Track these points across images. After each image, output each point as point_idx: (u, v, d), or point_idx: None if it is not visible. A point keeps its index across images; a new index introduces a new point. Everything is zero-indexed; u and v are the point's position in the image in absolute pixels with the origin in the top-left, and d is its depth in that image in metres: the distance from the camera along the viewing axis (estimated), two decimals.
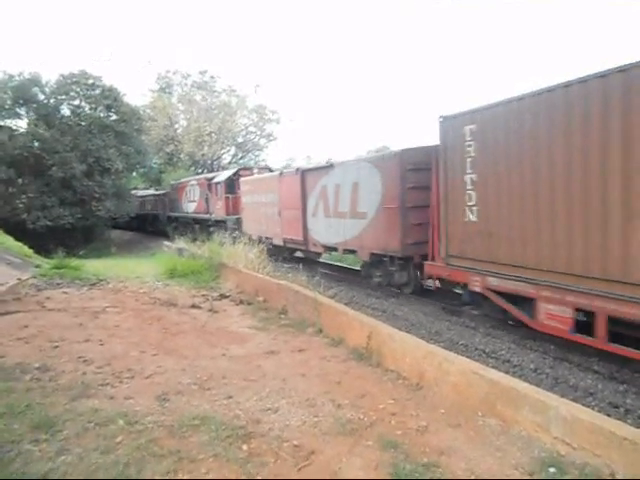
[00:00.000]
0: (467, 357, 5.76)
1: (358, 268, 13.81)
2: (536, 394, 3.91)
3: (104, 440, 3.58)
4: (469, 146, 8.20)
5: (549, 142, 6.78)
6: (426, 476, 3.23)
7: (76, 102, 28.42)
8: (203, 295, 9.84)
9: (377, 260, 11.57)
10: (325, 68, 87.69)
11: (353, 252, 12.56)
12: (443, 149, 8.82)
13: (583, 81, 6.25)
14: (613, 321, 6.07)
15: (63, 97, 28.02)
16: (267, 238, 17.03)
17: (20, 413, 3.95)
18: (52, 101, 28.00)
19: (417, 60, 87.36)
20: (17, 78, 26.97)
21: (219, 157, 42.54)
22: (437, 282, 9.66)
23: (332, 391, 4.80)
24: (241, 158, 44.49)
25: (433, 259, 9.48)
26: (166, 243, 20.91)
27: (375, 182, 11.11)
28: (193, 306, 8.84)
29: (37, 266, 12.49)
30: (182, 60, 76.24)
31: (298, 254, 17.44)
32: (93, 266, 13.07)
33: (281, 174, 16.71)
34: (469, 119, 8.19)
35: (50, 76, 37.05)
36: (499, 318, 8.48)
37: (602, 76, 6.02)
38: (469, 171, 8.26)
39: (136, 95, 72.98)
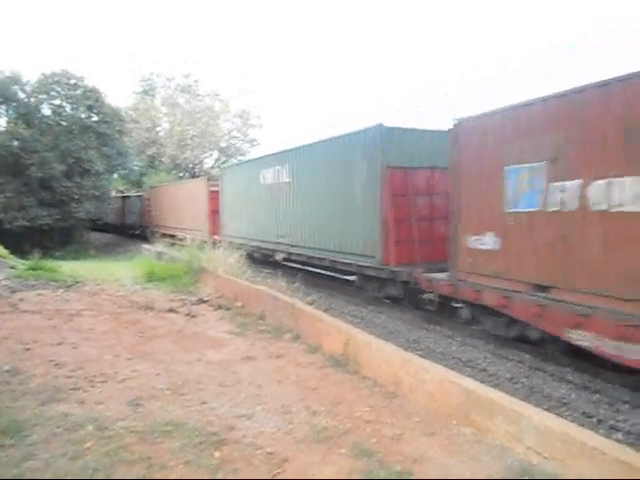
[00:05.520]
0: (444, 365, 5.78)
1: (336, 275, 13.99)
2: (510, 404, 3.94)
3: (73, 445, 3.51)
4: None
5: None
6: None
7: (57, 102, 27.99)
8: (181, 299, 9.73)
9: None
10: (309, 63, 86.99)
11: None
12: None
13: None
14: None
15: (44, 96, 27.58)
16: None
17: None
18: (32, 100, 27.54)
19: (407, 48, 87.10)
20: None
21: (201, 161, 42.25)
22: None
23: (308, 398, 4.78)
24: (224, 162, 44.22)
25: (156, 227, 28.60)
26: (145, 246, 20.78)
27: (138, 203, 33.07)
28: (170, 310, 8.73)
29: (12, 267, 12.23)
30: (166, 62, 75.55)
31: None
32: (70, 268, 12.83)
33: (123, 197, 38.37)
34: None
35: (31, 75, 36.60)
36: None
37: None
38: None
39: (119, 97, 72.18)
